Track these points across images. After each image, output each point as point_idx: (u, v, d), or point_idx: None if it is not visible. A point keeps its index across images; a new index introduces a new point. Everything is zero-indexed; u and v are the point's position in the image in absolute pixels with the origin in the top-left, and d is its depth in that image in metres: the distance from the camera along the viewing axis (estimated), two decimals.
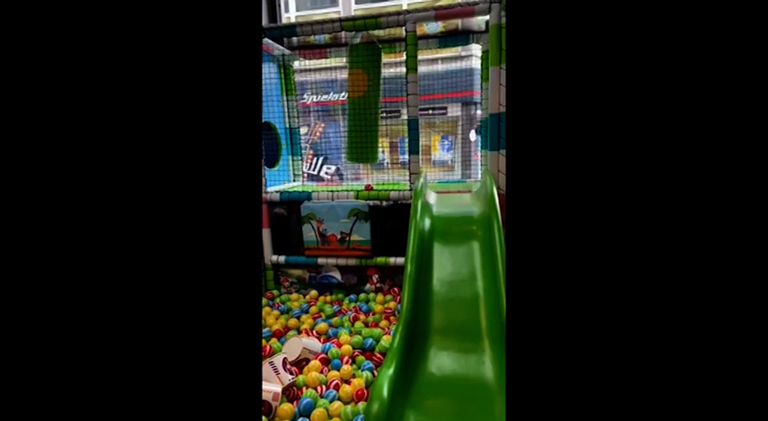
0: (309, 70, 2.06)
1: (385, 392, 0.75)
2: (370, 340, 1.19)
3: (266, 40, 1.61)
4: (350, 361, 1.12)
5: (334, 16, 1.49)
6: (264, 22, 2.07)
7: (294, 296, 1.62)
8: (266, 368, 0.98)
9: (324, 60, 1.90)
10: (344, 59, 1.75)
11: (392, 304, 1.48)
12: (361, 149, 1.69)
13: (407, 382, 0.85)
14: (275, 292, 1.68)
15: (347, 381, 1.03)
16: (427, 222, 1.29)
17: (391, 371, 0.80)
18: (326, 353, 1.12)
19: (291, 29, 1.53)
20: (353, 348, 1.17)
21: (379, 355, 1.14)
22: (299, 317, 1.41)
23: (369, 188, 1.61)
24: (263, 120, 1.65)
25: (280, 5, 2.24)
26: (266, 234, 1.68)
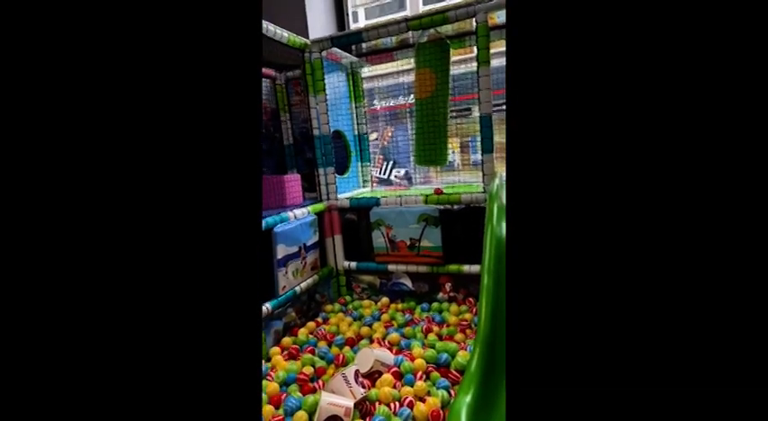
0: (378, 76, 2.06)
1: None
2: (445, 355, 1.12)
3: (334, 49, 1.63)
4: (424, 376, 1.06)
5: (400, 17, 1.45)
6: (333, 31, 2.13)
7: (366, 302, 1.61)
8: (338, 380, 0.97)
9: (391, 63, 1.87)
10: (413, 60, 1.71)
11: (468, 316, 1.39)
12: (430, 151, 1.63)
13: (488, 411, 0.76)
14: (348, 298, 1.70)
15: (422, 399, 0.97)
16: (504, 228, 1.17)
17: (469, 397, 0.72)
18: (399, 367, 1.08)
19: (358, 35, 1.53)
20: (427, 363, 1.10)
21: (455, 373, 1.06)
22: (370, 325, 1.39)
23: (438, 192, 1.53)
24: (332, 129, 1.68)
25: (348, 15, 2.29)
26: (338, 240, 1.70)
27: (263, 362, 1.21)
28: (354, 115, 1.92)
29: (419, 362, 1.09)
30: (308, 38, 1.64)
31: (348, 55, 1.80)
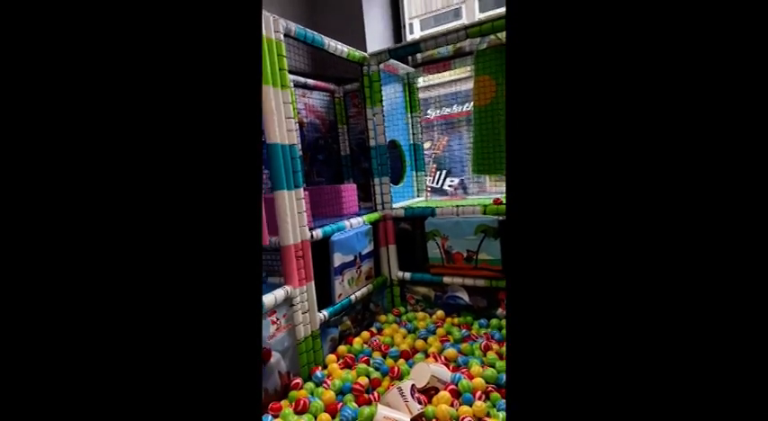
0: (433, 86, 2.06)
1: None
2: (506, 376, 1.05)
3: (391, 61, 1.65)
4: (483, 396, 1.00)
5: (459, 25, 1.43)
6: (390, 43, 2.16)
7: (420, 315, 1.58)
8: (394, 393, 0.95)
9: (447, 72, 1.86)
10: (469, 69, 1.67)
11: None
12: (489, 160, 1.57)
13: None
14: (402, 309, 1.68)
15: (480, 420, 0.92)
16: None
17: None
18: (456, 385, 1.03)
19: (416, 46, 1.53)
20: (487, 382, 1.05)
21: None
22: (425, 339, 1.36)
23: (498, 202, 1.47)
24: (388, 140, 1.69)
25: (405, 27, 2.32)
26: (392, 250, 1.70)
27: (320, 368, 1.23)
28: (410, 125, 1.93)
29: (478, 381, 1.04)
30: (366, 51, 1.68)
31: (405, 66, 1.81)
